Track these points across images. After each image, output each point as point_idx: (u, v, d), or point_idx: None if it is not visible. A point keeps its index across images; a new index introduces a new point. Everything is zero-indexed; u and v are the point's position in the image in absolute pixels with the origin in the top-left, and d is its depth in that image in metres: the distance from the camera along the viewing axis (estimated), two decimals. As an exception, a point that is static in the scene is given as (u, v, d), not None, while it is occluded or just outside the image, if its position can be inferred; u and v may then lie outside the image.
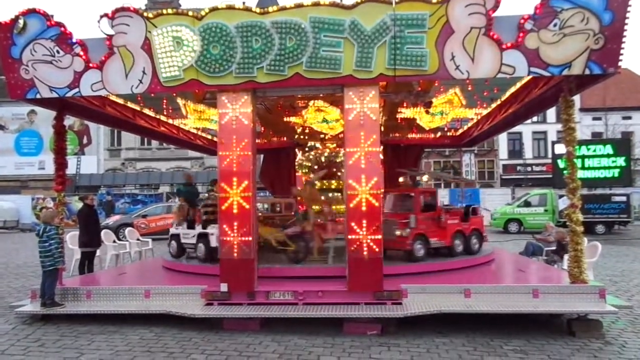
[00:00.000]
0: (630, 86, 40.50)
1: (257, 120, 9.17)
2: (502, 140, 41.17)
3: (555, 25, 6.49)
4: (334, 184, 12.12)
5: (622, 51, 6.46)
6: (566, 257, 7.84)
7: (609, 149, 24.01)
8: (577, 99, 9.15)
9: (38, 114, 39.09)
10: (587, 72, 6.56)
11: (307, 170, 12.58)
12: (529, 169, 40.72)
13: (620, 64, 6.53)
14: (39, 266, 7.65)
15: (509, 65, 6.62)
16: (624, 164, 23.83)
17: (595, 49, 6.46)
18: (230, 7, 7.00)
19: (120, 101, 9.15)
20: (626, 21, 6.39)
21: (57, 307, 7.37)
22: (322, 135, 11.97)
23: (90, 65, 7.18)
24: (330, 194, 11.83)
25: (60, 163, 8.40)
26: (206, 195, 11.26)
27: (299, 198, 10.76)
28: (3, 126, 41.52)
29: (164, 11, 7.15)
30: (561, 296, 6.86)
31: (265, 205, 11.81)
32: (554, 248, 10.37)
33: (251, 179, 7.33)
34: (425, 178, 10.03)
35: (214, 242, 8.99)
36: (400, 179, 10.48)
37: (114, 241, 12.42)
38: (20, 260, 15.19)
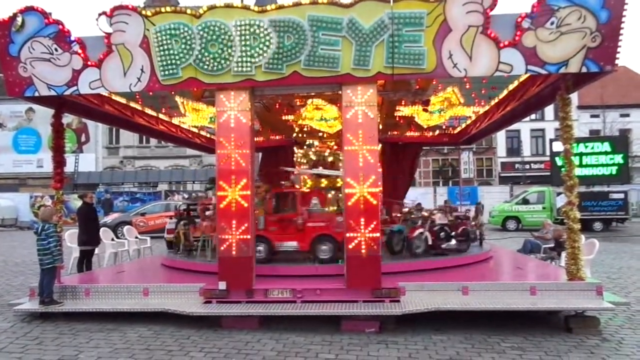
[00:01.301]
0: (628, 83, 40.58)
1: (255, 118, 9.17)
2: (500, 138, 41.26)
3: (552, 23, 6.52)
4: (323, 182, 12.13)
5: (619, 49, 6.49)
6: (564, 254, 7.87)
7: (606, 147, 24.07)
8: (574, 96, 9.14)
9: (36, 112, 38.99)
10: (584, 70, 6.59)
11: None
12: (527, 166, 40.80)
13: (617, 61, 6.55)
14: (37, 264, 7.65)
15: (506, 63, 6.65)
16: (621, 161, 23.89)
17: (592, 47, 6.49)
18: (229, 6, 7.01)
19: (119, 99, 9.15)
20: (623, 19, 6.42)
21: (55, 305, 7.38)
22: (320, 134, 11.98)
23: (89, 63, 7.18)
24: None
25: (59, 161, 8.39)
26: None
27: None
28: (1, 124, 41.43)
29: (163, 9, 7.14)
30: (558, 293, 6.89)
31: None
32: (551, 245, 10.41)
33: (249, 177, 7.34)
34: (293, 177, 9.99)
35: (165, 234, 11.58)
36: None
37: (113, 239, 12.42)
38: (19, 258, 15.19)
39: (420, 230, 9.27)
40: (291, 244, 8.86)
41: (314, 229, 8.82)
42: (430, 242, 9.26)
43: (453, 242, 9.46)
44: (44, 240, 7.48)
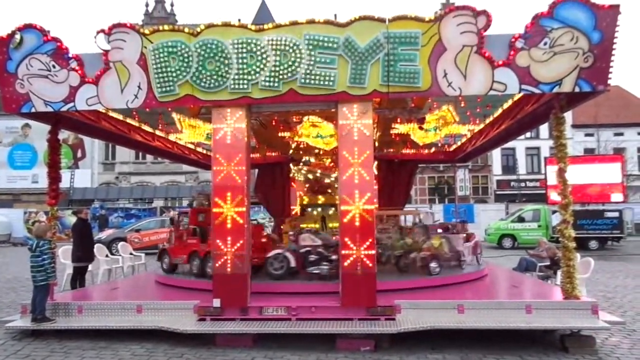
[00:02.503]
0: (622, 103, 41.00)
1: (251, 135, 9.21)
2: (495, 156, 41.43)
3: (545, 44, 6.61)
4: (320, 199, 12.17)
5: (611, 69, 6.58)
6: (559, 272, 7.86)
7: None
8: (569, 115, 9.17)
9: (32, 128, 39.04)
10: (577, 89, 6.67)
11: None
12: (522, 184, 40.94)
13: (609, 81, 6.64)
14: (30, 280, 7.58)
15: (500, 82, 6.72)
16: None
17: (585, 67, 6.58)
18: (226, 24, 7.09)
19: (116, 115, 9.17)
20: (614, 40, 6.52)
21: (47, 322, 7.30)
22: (316, 151, 12.03)
23: (86, 80, 7.21)
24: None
25: (54, 177, 8.37)
26: None
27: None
28: (-3, 139, 41.39)
29: (160, 27, 7.22)
30: (554, 312, 6.87)
31: None
32: (547, 264, 10.40)
33: (245, 194, 7.34)
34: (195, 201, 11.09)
35: None
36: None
37: (107, 256, 12.34)
38: (11, 274, 15.04)
39: (278, 250, 8.99)
40: (181, 258, 9.83)
41: (190, 245, 9.73)
42: (293, 264, 8.78)
43: (323, 266, 8.65)
44: (38, 257, 7.41)
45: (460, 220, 12.77)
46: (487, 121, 10.28)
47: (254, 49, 6.99)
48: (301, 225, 11.80)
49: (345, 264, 7.10)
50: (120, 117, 9.35)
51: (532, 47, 6.64)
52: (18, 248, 27.18)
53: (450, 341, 6.75)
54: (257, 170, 13.84)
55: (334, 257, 8.51)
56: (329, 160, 12.25)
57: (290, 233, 9.96)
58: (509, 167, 41.97)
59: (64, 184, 21.31)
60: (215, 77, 7.08)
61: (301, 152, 12.48)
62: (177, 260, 9.94)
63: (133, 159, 41.24)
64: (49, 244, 7.60)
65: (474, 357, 6.25)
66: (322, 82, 6.96)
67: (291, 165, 13.20)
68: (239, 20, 7.67)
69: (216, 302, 7.17)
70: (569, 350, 6.45)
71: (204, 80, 7.10)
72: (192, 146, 12.72)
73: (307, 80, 6.97)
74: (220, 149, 7.41)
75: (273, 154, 13.20)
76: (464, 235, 10.64)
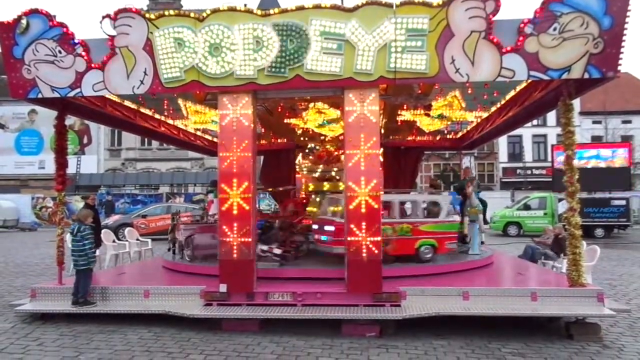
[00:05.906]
0: (631, 90, 40.60)
1: (257, 121, 9.20)
2: (502, 143, 41.27)
3: (554, 29, 6.52)
4: (326, 185, 12.17)
5: (621, 55, 6.49)
6: (564, 262, 7.85)
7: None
8: (577, 102, 9.01)
9: (39, 114, 39.14)
10: (587, 76, 6.58)
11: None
12: (528, 172, 40.77)
13: (619, 68, 6.55)
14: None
15: (508, 68, 6.65)
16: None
17: (595, 53, 6.49)
18: (232, 9, 7.04)
19: (121, 101, 9.17)
20: (625, 26, 6.42)
21: (89, 305, 7.38)
22: (322, 137, 12.00)
23: (92, 65, 7.21)
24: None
25: (61, 163, 8.40)
26: None
27: None
28: (4, 125, 41.54)
29: (166, 12, 7.18)
30: (559, 299, 6.88)
31: None
32: (549, 252, 10.36)
33: (251, 180, 7.36)
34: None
35: None
36: None
37: (114, 241, 12.44)
38: (20, 259, 15.18)
39: None
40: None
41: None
42: None
43: None
44: (79, 241, 7.54)
45: None
46: (494, 108, 10.20)
47: (260, 35, 6.95)
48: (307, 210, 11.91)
49: (351, 250, 7.12)
50: (126, 102, 9.35)
51: (541, 32, 6.55)
52: (26, 233, 27.46)
53: (455, 328, 6.78)
54: (262, 157, 13.84)
55: None
56: (334, 147, 12.20)
57: None
58: (515, 154, 41.78)
59: (70, 170, 21.46)
60: (221, 62, 7.05)
61: (307, 139, 12.45)
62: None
63: (139, 145, 41.32)
64: (90, 230, 7.73)
65: (479, 343, 6.28)
66: (328, 68, 6.92)
67: (299, 155, 13.17)
68: (245, 5, 7.62)
69: (222, 288, 7.23)
70: (574, 338, 6.47)
71: (210, 66, 7.07)
72: (196, 132, 12.71)
73: (314, 66, 6.93)
74: (226, 135, 7.41)
75: (279, 140, 13.19)
76: None
